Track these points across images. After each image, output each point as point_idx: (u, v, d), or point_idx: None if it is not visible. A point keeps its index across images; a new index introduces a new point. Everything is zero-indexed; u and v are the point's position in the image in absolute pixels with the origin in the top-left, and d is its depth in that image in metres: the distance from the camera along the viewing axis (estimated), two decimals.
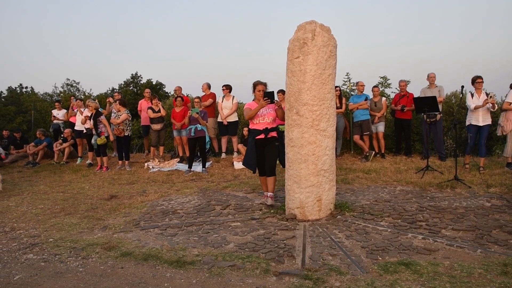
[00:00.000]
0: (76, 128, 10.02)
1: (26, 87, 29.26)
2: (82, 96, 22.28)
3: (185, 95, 10.43)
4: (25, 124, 19.73)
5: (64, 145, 10.26)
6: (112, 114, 9.48)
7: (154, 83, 25.03)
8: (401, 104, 8.54)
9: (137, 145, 12.90)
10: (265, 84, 5.27)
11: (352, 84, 10.99)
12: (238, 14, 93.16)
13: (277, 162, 5.34)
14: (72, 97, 11.98)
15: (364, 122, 8.50)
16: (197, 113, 7.91)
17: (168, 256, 3.62)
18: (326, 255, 3.51)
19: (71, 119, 10.63)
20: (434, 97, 7.12)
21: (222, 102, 9.13)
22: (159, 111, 9.30)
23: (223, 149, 9.51)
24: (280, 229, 4.29)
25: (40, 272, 3.41)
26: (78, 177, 8.35)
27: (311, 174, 4.53)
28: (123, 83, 25.65)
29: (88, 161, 9.50)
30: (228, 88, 9.13)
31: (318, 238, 3.96)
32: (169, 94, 21.84)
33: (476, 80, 7.10)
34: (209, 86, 9.49)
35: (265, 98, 4.93)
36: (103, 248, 3.87)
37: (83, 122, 9.18)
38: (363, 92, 8.82)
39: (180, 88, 9.96)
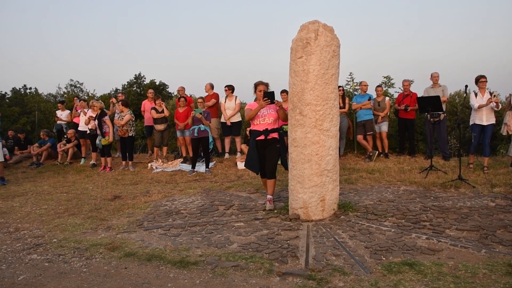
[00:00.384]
0: (79, 128, 10.08)
1: (30, 88, 29.45)
2: (86, 97, 22.40)
3: (188, 95, 10.44)
4: (29, 124, 19.81)
5: (68, 145, 10.31)
6: (116, 115, 9.52)
7: (157, 83, 25.12)
8: (405, 104, 8.50)
9: (140, 146, 12.96)
10: (266, 84, 5.14)
11: (355, 84, 10.97)
12: (241, 14, 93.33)
13: (279, 163, 5.23)
14: (75, 98, 12.04)
15: (367, 122, 8.48)
16: (200, 113, 7.92)
17: (171, 256, 3.62)
18: (329, 255, 3.50)
19: (75, 120, 10.69)
20: (438, 97, 7.10)
21: (225, 103, 9.14)
22: (162, 111, 9.32)
23: (226, 149, 9.52)
24: (283, 229, 4.28)
25: (44, 272, 3.42)
26: (81, 177, 8.39)
27: (314, 174, 4.52)
28: (126, 83, 25.75)
29: (92, 162, 9.54)
30: (230, 88, 9.14)
31: (321, 238, 3.95)
32: (172, 95, 21.91)
33: (480, 80, 7.07)
34: (212, 87, 9.50)
35: (264, 99, 4.83)
36: (107, 249, 3.88)
37: (87, 123, 9.21)
38: (367, 92, 8.81)
39: (183, 89, 9.98)
